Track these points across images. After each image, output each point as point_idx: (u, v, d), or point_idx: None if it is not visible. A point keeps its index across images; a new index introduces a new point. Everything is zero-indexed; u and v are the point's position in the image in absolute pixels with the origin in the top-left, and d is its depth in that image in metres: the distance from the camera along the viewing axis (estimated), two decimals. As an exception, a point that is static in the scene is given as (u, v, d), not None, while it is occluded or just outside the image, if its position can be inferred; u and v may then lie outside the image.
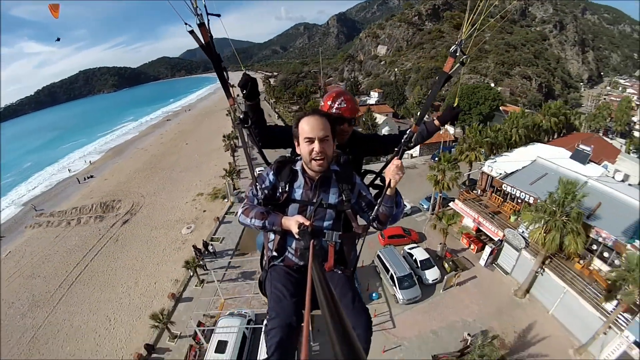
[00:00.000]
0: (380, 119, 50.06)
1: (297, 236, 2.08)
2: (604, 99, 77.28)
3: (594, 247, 17.74)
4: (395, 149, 2.43)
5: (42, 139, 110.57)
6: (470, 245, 23.52)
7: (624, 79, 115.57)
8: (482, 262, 22.00)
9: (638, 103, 69.29)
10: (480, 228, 23.59)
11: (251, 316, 17.01)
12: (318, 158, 2.14)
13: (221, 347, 14.69)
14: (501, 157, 27.40)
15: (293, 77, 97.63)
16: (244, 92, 2.39)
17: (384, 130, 43.29)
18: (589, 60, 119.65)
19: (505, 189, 23.15)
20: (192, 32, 2.04)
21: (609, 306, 15.44)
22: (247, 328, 16.00)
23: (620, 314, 15.00)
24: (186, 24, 1.99)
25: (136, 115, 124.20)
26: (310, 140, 2.12)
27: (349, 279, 2.36)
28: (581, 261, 17.84)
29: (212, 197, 34.32)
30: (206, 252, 23.46)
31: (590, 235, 17.53)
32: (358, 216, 2.52)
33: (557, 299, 18.10)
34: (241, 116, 2.44)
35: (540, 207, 16.96)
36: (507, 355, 16.21)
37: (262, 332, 2.09)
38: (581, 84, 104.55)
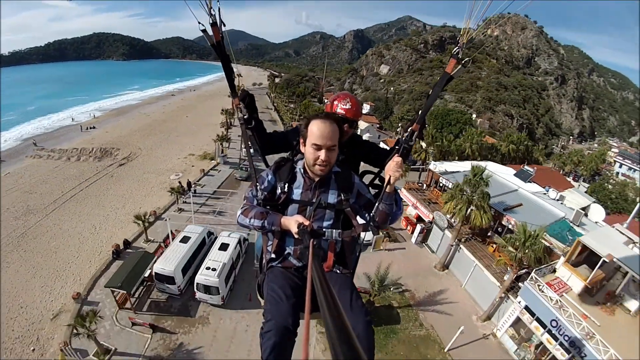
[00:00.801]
0: (363, 125, 55.32)
1: (296, 236, 2.08)
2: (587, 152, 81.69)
3: (509, 235, 21.15)
4: (396, 147, 2.44)
5: (47, 89, 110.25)
6: (407, 227, 28.35)
7: (615, 141, 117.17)
8: (413, 239, 26.34)
9: (614, 159, 73.82)
10: (419, 214, 28.33)
11: (211, 230, 21.75)
12: (322, 165, 2.16)
13: (185, 240, 19.22)
14: (450, 162, 32.29)
15: (297, 79, 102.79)
16: (250, 126, 2.55)
17: (365, 136, 48.30)
18: (583, 117, 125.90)
19: (442, 182, 28.09)
20: (204, 31, 2.15)
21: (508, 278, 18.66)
22: (207, 235, 20.75)
23: (514, 282, 18.22)
24: (199, 22, 2.10)
25: (142, 85, 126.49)
26: (318, 148, 2.12)
27: (348, 279, 2.32)
28: (493, 245, 21.72)
29: (202, 157, 39.40)
30: (189, 190, 28.01)
31: (503, 223, 22.02)
32: (358, 216, 2.49)
33: (468, 273, 21.35)
34: (245, 116, 2.52)
35: (456, 186, 21.89)
36: (414, 305, 19.65)
37: (259, 335, 2.02)
38: (571, 137, 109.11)
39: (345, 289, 2.17)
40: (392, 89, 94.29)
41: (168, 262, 17.26)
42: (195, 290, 16.98)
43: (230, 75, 2.45)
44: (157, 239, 22.74)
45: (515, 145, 44.23)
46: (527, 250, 17.08)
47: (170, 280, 16.94)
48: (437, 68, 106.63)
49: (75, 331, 14.30)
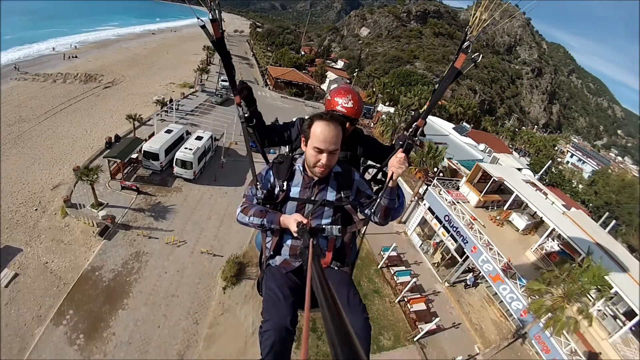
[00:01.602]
0: (333, 76, 60.35)
1: (295, 235, 2.09)
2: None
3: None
4: (400, 142, 2.39)
5: (23, 21, 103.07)
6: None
7: (578, 139, 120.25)
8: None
9: (568, 149, 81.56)
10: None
11: (189, 130, 27.42)
12: (323, 168, 2.17)
13: (168, 131, 25.10)
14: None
15: (278, 30, 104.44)
16: (251, 124, 2.60)
17: (333, 86, 53.22)
18: (552, 111, 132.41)
19: (383, 117, 33.76)
20: (203, 27, 2.16)
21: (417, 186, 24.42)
22: (186, 133, 26.37)
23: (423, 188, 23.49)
24: (198, 18, 2.13)
25: (121, 22, 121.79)
26: (320, 151, 2.11)
27: (346, 276, 2.34)
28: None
29: (182, 85, 43.73)
30: (170, 105, 32.69)
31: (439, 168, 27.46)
32: (358, 212, 2.51)
33: None
34: (247, 114, 2.55)
35: (388, 117, 27.59)
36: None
37: (258, 333, 1.98)
38: (536, 126, 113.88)
39: (342, 286, 2.17)
40: (367, 50, 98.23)
41: (155, 143, 22.76)
42: (174, 165, 22.54)
43: (231, 71, 2.47)
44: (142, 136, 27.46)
45: (464, 109, 50.28)
46: (429, 161, 23.25)
47: (155, 157, 22.40)
48: (414, 37, 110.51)
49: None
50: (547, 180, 39.06)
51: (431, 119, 37.17)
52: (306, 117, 2.46)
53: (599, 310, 15.97)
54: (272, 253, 2.38)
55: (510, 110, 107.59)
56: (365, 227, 2.45)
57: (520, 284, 16.14)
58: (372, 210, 2.34)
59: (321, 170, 2.20)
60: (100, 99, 37.25)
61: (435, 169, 24.36)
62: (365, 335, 1.99)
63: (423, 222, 23.55)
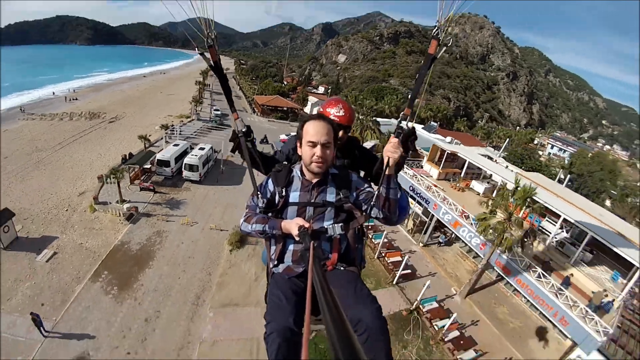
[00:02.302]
0: (313, 99, 66.24)
1: (297, 239, 2.10)
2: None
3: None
4: (392, 133, 2.40)
5: (17, 69, 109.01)
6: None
7: (562, 134, 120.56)
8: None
9: (548, 142, 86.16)
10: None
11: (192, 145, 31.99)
12: (318, 162, 2.19)
13: (175, 145, 30.41)
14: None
15: (261, 65, 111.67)
16: (248, 139, 2.59)
17: (315, 110, 58.40)
18: (532, 111, 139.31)
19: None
20: (202, 54, 2.31)
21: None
22: (190, 147, 31.04)
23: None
24: (197, 47, 2.28)
25: (111, 68, 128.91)
26: (313, 145, 2.16)
27: (353, 275, 2.30)
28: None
29: (179, 117, 48.53)
30: (173, 129, 37.46)
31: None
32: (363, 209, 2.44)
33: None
34: (244, 129, 2.57)
35: (356, 118, 32.38)
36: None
37: (263, 340, 1.92)
38: (518, 126, 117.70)
39: (349, 282, 2.14)
40: (346, 75, 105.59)
41: (166, 153, 27.82)
42: (183, 170, 27.21)
43: (229, 92, 2.57)
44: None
45: (433, 112, 55.78)
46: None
47: (166, 164, 27.07)
48: (388, 58, 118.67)
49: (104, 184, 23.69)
50: (523, 168, 41.81)
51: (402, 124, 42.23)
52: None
53: (557, 241, 20.12)
54: (276, 262, 2.33)
55: (488, 114, 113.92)
56: (368, 228, 3.47)
57: (473, 223, 19.84)
58: (375, 205, 2.24)
59: (318, 165, 2.19)
60: (107, 132, 41.78)
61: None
62: (378, 326, 1.84)
63: None
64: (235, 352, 13.89)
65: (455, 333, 16.91)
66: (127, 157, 29.51)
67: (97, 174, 27.03)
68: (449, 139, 39.56)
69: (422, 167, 28.06)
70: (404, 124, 2.41)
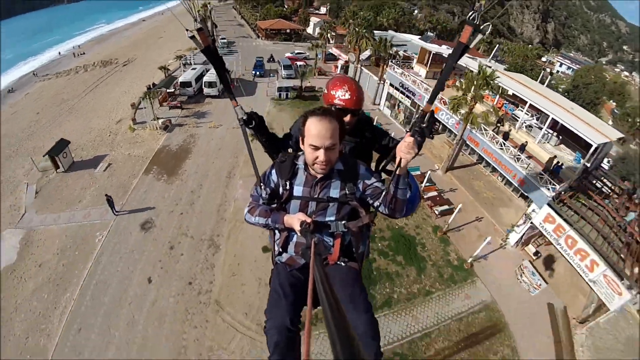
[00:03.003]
0: (315, 19, 66.28)
1: (299, 234, 2.12)
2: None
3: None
4: (407, 130, 2.16)
5: (15, 40, 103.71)
6: (335, 69, 41.11)
7: (576, 55, 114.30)
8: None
9: (557, 59, 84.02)
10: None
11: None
12: (322, 165, 2.10)
13: (194, 68, 33.76)
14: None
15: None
16: (250, 126, 2.57)
17: (317, 30, 58.29)
18: (547, 29, 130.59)
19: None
20: (192, 37, 2.24)
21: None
22: (205, 70, 33.84)
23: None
24: (187, 29, 2.22)
25: (108, 19, 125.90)
26: (316, 148, 2.04)
27: (353, 273, 2.28)
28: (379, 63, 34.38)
29: (188, 49, 49.74)
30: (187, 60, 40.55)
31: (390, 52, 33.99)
32: (372, 203, 2.34)
33: (367, 82, 34.52)
34: (244, 117, 2.53)
35: (353, 28, 34.23)
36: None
37: (263, 332, 2.03)
38: (530, 45, 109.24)
39: (348, 283, 2.14)
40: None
41: (187, 75, 31.96)
42: (203, 87, 31.07)
43: (225, 78, 2.52)
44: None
45: (432, 24, 55.32)
46: (382, 47, 30.33)
47: (188, 84, 31.00)
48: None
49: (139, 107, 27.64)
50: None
51: (400, 35, 43.09)
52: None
53: (527, 125, 22.69)
54: (280, 250, 2.36)
55: (497, 30, 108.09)
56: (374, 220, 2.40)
57: (447, 103, 22.74)
58: (382, 202, 2.14)
59: (321, 168, 2.11)
60: (124, 74, 44.83)
61: (390, 54, 31.28)
62: (372, 333, 1.92)
63: (389, 98, 31.77)
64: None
65: (434, 193, 20.65)
66: (152, 86, 32.95)
67: (127, 106, 30.74)
68: (444, 47, 40.59)
69: (412, 69, 30.52)
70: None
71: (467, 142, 22.58)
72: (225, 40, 55.60)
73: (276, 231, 2.42)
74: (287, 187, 2.26)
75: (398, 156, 2.02)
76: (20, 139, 27.12)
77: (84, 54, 65.25)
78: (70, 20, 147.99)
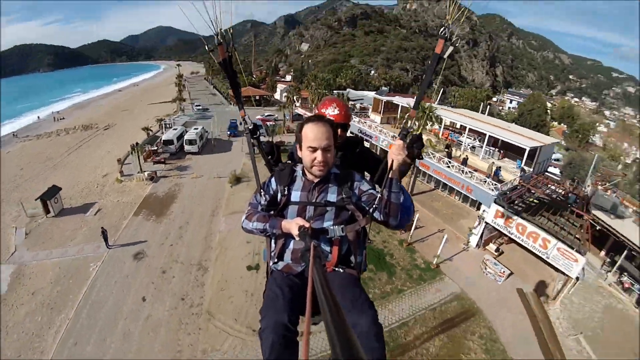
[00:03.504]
0: (281, 86, 74.37)
1: (297, 238, 2.12)
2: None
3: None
4: (398, 135, 2.37)
5: None
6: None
7: (527, 91, 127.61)
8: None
9: (506, 97, 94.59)
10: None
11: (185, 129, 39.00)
12: (319, 166, 2.19)
13: (175, 128, 37.59)
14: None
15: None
16: (269, 157, 2.83)
17: (284, 95, 65.78)
18: (496, 73, 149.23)
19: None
20: (212, 51, 2.38)
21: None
22: (185, 130, 38.10)
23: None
24: (207, 44, 2.36)
25: (83, 88, 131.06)
26: (314, 150, 2.15)
27: (352, 278, 2.29)
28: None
29: (166, 116, 54.89)
30: (166, 122, 44.76)
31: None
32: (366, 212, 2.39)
33: None
34: (250, 127, 2.71)
35: (315, 88, 40.60)
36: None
37: (258, 336, 1.92)
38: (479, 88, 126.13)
39: (348, 287, 2.15)
40: (309, 61, 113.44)
41: (169, 134, 35.76)
42: (184, 145, 35.03)
43: (237, 89, 2.69)
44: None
45: (387, 80, 63.96)
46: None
47: (170, 142, 34.77)
48: (348, 40, 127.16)
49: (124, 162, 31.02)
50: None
51: (357, 92, 50.40)
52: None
53: (472, 147, 28.06)
54: (276, 260, 2.37)
55: (449, 80, 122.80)
56: (369, 226, 2.44)
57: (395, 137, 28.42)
58: (378, 208, 2.20)
59: (319, 169, 2.20)
60: (105, 137, 48.39)
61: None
62: (373, 332, 1.85)
63: None
64: (241, 239, 21.09)
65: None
66: (136, 145, 36.62)
67: (112, 162, 33.93)
68: (397, 97, 47.88)
69: (369, 117, 36.38)
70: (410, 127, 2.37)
71: (420, 168, 27.34)
72: (200, 107, 61.67)
73: (272, 244, 2.44)
74: (286, 192, 2.33)
75: (390, 159, 2.13)
76: (5, 190, 29.33)
77: (63, 118, 68.26)
78: (46, 88, 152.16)
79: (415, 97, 2.53)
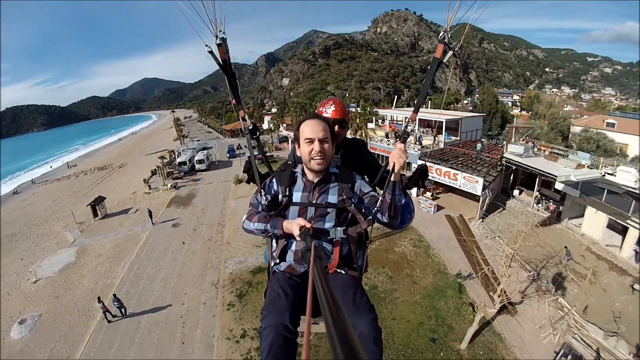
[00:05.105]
0: (267, 118, 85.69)
1: (298, 239, 2.15)
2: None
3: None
4: (398, 137, 2.46)
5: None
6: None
7: (505, 92, 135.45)
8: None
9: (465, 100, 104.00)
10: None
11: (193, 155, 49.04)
12: (317, 157, 2.24)
13: (186, 153, 47.19)
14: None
15: (219, 105, 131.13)
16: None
17: (270, 124, 76.47)
18: (471, 78, 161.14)
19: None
20: (211, 52, 2.41)
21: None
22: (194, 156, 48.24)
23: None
24: (206, 45, 2.37)
25: (85, 141, 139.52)
26: (311, 141, 2.23)
27: (353, 279, 2.37)
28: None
29: (170, 152, 65.03)
30: (173, 155, 54.76)
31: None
32: (365, 213, 2.50)
33: None
34: (250, 127, 2.80)
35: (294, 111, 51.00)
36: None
37: (258, 336, 2.01)
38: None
39: (348, 288, 2.20)
40: (291, 93, 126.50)
41: (182, 157, 46.51)
42: (195, 164, 45.45)
43: (236, 88, 2.71)
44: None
45: (356, 99, 74.94)
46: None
47: (184, 163, 45.20)
48: (324, 70, 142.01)
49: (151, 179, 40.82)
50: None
51: None
52: None
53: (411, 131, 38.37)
54: (277, 260, 2.43)
55: (418, 92, 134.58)
56: (371, 229, 2.48)
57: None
58: (379, 209, 2.26)
59: (317, 161, 2.24)
60: (122, 173, 57.30)
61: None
62: (372, 335, 1.92)
63: None
64: (246, 210, 30.91)
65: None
66: (157, 168, 46.38)
67: (137, 184, 43.29)
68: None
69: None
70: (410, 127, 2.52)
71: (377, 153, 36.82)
72: (200, 141, 72.64)
73: (274, 242, 2.49)
74: (287, 193, 2.39)
75: (391, 162, 2.19)
76: (44, 216, 37.12)
77: (75, 165, 75.64)
78: (47, 144, 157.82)
79: (417, 100, 2.75)
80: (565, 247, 20.52)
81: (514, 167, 28.24)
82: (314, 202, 2.36)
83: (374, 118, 41.65)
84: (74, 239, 28.49)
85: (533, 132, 36.78)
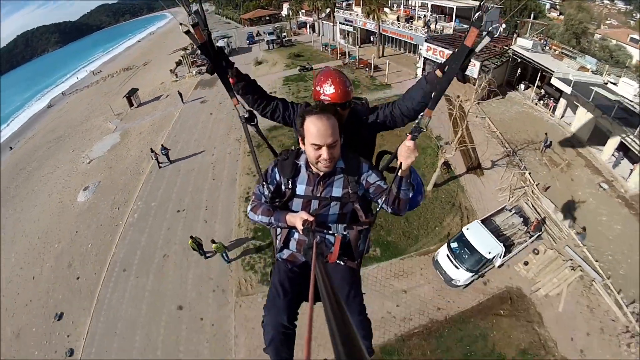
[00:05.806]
0: (286, 5, 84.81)
1: (301, 232, 2.30)
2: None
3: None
4: (409, 134, 2.30)
5: (19, 89, 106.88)
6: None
7: None
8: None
9: None
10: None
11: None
12: (325, 162, 2.25)
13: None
14: None
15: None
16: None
17: (285, 9, 75.88)
18: None
19: None
20: (187, 32, 2.37)
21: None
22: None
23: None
24: (181, 24, 2.39)
25: (104, 49, 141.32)
26: (318, 147, 2.19)
27: (351, 272, 2.54)
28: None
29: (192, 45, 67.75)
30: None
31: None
32: (372, 204, 2.61)
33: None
34: (246, 115, 2.74)
35: None
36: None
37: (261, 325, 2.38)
38: None
39: (345, 284, 2.41)
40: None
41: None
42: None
43: (225, 76, 2.66)
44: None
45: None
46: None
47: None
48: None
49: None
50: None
51: None
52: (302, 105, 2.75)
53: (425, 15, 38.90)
54: (282, 245, 2.60)
55: None
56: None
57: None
58: (385, 202, 2.34)
59: (325, 165, 2.27)
60: (147, 70, 61.56)
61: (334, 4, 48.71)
62: (364, 333, 2.33)
63: (341, 32, 48.87)
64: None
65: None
66: (182, 57, 50.51)
67: (163, 78, 47.43)
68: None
69: (353, 10, 47.11)
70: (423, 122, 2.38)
71: (384, 34, 39.81)
72: (219, 32, 73.32)
73: (277, 229, 2.65)
74: (290, 185, 2.45)
75: (399, 160, 2.21)
76: (83, 116, 43.85)
77: (100, 71, 79.32)
78: (67, 59, 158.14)
79: (433, 96, 2.45)
80: (546, 133, 22.69)
81: (519, 60, 29.30)
82: (318, 195, 2.43)
83: (388, 1, 42.90)
84: (115, 127, 34.75)
85: (547, 30, 36.63)
